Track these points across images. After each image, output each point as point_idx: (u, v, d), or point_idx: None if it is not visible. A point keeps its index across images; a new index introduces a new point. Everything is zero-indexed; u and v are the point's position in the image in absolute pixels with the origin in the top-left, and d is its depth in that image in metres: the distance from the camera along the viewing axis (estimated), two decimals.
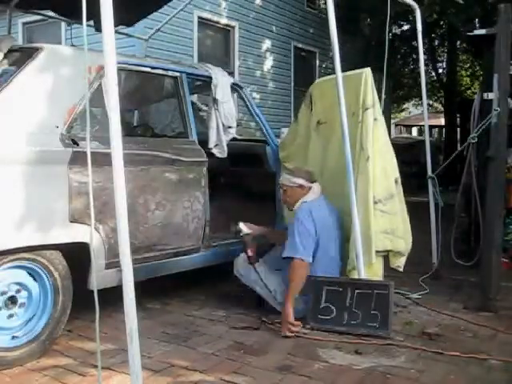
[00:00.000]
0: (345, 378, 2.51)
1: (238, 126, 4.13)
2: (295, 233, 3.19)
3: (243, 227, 3.50)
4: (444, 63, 17.80)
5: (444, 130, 18.27)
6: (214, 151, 3.80)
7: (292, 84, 11.30)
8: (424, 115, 4.97)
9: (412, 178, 9.39)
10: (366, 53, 11.76)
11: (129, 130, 3.76)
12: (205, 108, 4.38)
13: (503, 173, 3.70)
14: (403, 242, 3.53)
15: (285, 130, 5.94)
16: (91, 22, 3.90)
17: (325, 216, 3.34)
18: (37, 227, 2.63)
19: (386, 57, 4.17)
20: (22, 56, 2.97)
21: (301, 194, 3.40)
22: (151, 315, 3.38)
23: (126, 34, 5.26)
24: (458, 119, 14.10)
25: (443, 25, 13.62)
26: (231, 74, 6.65)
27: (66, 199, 2.75)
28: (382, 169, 3.49)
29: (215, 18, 9.39)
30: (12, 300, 2.64)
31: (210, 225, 3.59)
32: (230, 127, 3.86)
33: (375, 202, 3.39)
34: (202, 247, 3.55)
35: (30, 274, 2.69)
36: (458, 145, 12.60)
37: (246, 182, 4.52)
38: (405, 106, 27.15)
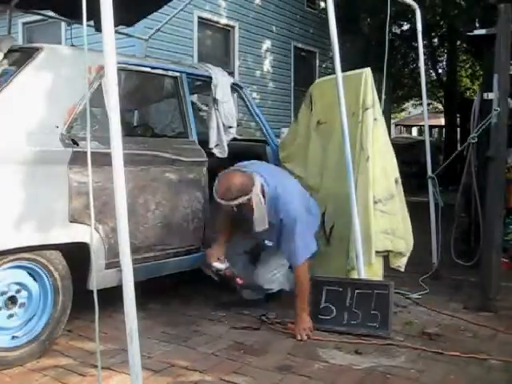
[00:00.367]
0: (345, 378, 2.51)
1: (238, 125, 4.13)
2: (298, 235, 3.05)
3: (218, 265, 3.27)
4: (444, 63, 17.82)
5: (444, 129, 18.29)
6: (215, 151, 3.80)
7: (292, 84, 11.30)
8: (424, 115, 4.96)
9: (412, 177, 9.39)
10: (366, 53, 11.76)
11: (129, 130, 3.76)
12: (205, 108, 4.38)
13: (503, 173, 3.70)
14: (404, 242, 3.53)
15: (285, 130, 5.93)
16: (91, 22, 3.90)
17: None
18: (37, 227, 2.63)
19: (386, 57, 4.16)
20: (21, 56, 2.96)
21: (255, 195, 2.97)
22: (151, 315, 3.38)
23: (126, 34, 5.25)
24: (458, 119, 14.11)
25: (443, 25, 13.63)
26: (231, 73, 6.65)
27: (65, 199, 2.75)
28: (382, 169, 3.49)
29: (215, 18, 9.39)
30: (12, 300, 2.64)
31: (210, 225, 3.59)
32: (230, 127, 3.86)
33: (375, 202, 3.39)
34: (202, 247, 3.55)
35: (29, 274, 2.69)
36: (458, 145, 12.60)
37: None
38: (405, 106, 27.14)
